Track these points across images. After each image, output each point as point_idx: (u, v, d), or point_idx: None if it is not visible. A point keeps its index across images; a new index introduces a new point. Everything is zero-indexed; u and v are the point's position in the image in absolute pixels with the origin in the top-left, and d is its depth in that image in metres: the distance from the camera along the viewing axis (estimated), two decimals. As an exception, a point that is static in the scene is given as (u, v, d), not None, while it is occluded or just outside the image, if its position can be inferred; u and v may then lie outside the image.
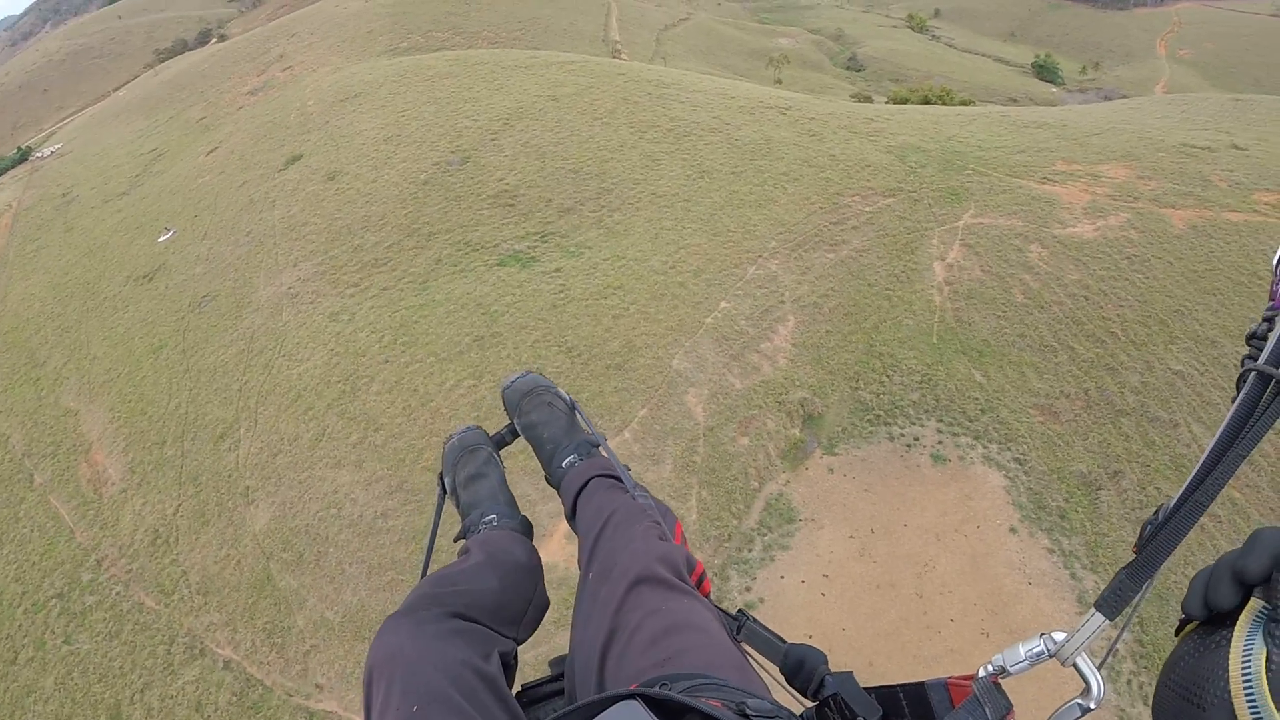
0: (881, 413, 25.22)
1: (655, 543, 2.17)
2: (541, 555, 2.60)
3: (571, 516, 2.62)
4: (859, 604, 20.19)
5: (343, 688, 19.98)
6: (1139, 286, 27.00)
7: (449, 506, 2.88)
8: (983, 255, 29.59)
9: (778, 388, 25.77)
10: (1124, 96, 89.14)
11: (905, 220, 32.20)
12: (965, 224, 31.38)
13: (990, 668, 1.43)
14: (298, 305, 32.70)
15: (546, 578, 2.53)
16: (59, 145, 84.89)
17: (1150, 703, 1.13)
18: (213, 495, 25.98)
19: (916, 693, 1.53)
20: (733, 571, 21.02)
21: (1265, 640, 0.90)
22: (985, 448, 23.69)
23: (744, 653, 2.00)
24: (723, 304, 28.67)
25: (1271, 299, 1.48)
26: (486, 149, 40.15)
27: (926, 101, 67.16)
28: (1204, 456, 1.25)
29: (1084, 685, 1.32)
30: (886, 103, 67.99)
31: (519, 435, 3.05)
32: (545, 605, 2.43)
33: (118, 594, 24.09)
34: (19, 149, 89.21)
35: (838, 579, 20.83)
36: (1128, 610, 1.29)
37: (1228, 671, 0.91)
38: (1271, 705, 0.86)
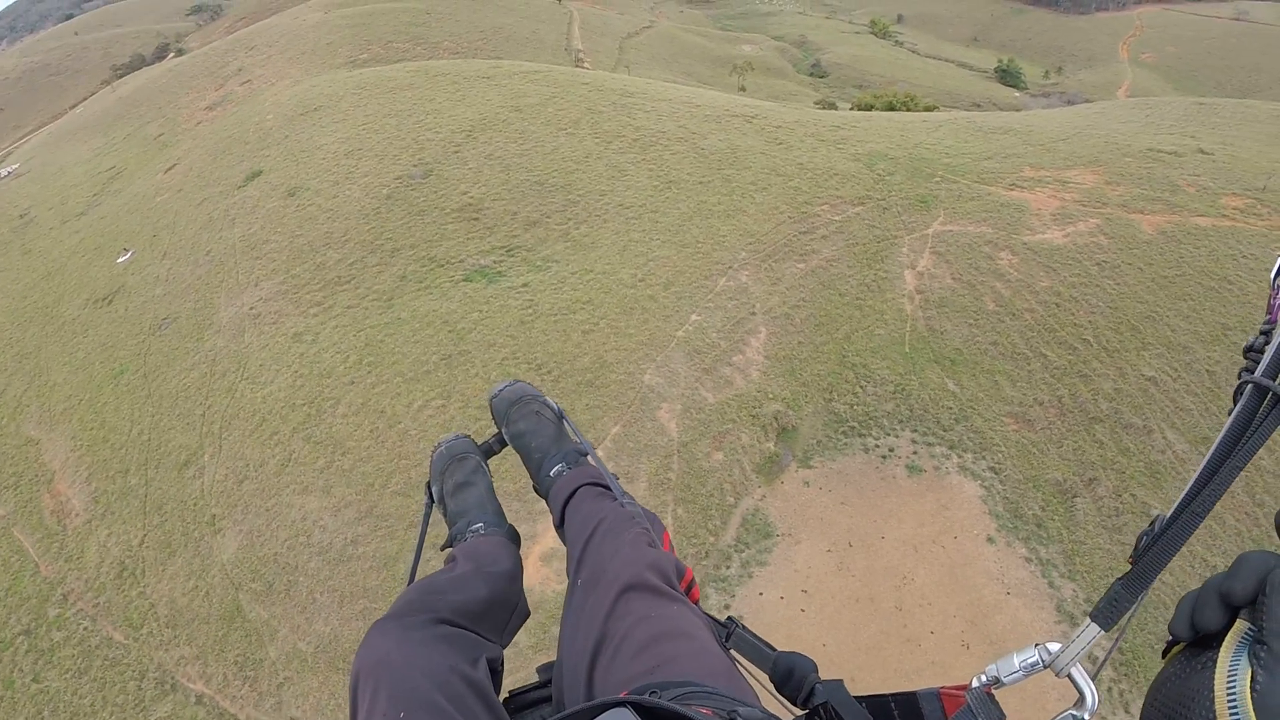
0: (856, 424, 25.07)
1: (645, 550, 2.16)
2: None
3: (560, 524, 2.61)
4: (839, 619, 20.03)
5: (317, 721, 19.58)
6: (1110, 293, 27.09)
7: (436, 515, 2.84)
8: (953, 263, 29.57)
9: (751, 401, 25.52)
10: (1087, 101, 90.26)
11: (875, 229, 32.13)
12: (935, 232, 31.37)
13: (984, 678, 1.45)
14: (260, 326, 31.94)
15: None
16: (15, 165, 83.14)
17: (1130, 710, 0.95)
18: (178, 524, 25.27)
19: (909, 702, 1.57)
20: (711, 589, 20.70)
21: (1250, 661, 0.89)
22: (960, 457, 23.63)
23: (733, 660, 1.98)
24: (693, 317, 28.39)
25: (1269, 312, 1.45)
26: (449, 161, 39.61)
27: (891, 108, 67.59)
28: (1200, 468, 1.24)
29: (1078, 696, 1.33)
30: (851, 109, 68.30)
31: (507, 444, 3.05)
32: (526, 614, 2.42)
33: (85, 629, 23.37)
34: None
35: (817, 594, 20.65)
36: (1121, 621, 1.28)
37: (1213, 692, 0.91)
38: None
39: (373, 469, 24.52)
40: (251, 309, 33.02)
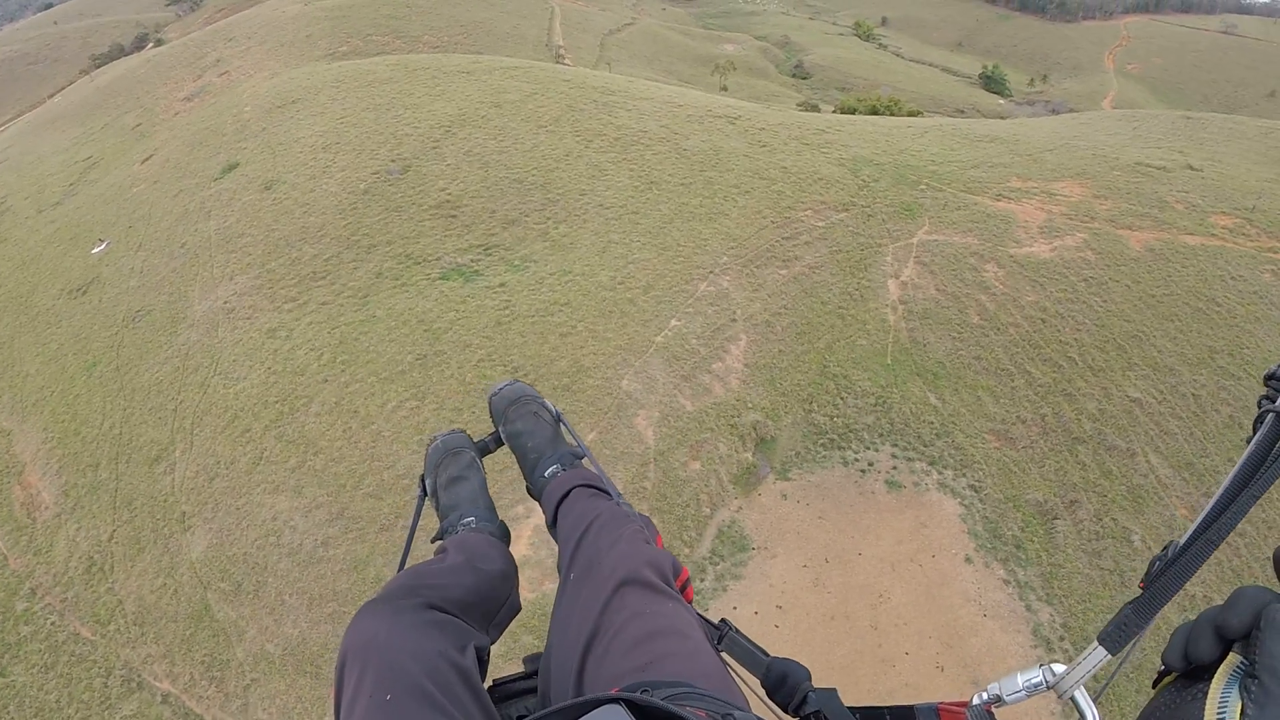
0: (835, 436, 24.81)
1: (642, 546, 2.14)
2: None
3: (552, 524, 2.59)
4: (813, 636, 19.84)
5: (285, 723, 19.36)
6: (1096, 310, 26.93)
7: (428, 508, 2.82)
8: (938, 274, 29.33)
9: (730, 410, 25.21)
10: (1072, 110, 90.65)
11: (858, 236, 31.84)
12: (920, 240, 31.13)
13: (985, 696, 1.44)
14: (234, 321, 31.42)
15: None
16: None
17: None
18: (148, 521, 24.93)
19: (904, 716, 1.60)
20: (684, 604, 20.31)
21: (1241, 695, 0.91)
22: (940, 474, 23.43)
23: (725, 663, 1.93)
24: (673, 322, 28.02)
25: None
26: (428, 157, 39.10)
27: (875, 111, 67.47)
28: (1216, 495, 1.23)
29: (1079, 718, 1.31)
30: (834, 112, 67.99)
31: (503, 443, 3.05)
32: (517, 609, 2.39)
33: (53, 624, 23.15)
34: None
35: (792, 610, 20.44)
36: (1127, 646, 1.27)
37: None
38: None
39: (345, 470, 24.23)
40: (225, 303, 32.51)
